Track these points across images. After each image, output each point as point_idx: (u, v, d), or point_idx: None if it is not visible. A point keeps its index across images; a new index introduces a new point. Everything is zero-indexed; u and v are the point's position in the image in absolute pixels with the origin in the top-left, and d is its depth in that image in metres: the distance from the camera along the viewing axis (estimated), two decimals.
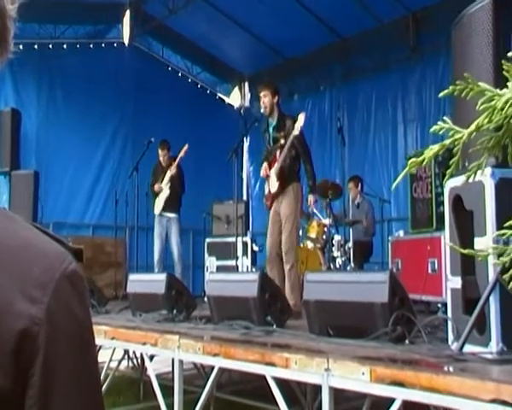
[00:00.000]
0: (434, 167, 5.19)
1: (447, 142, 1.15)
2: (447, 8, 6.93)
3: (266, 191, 5.34)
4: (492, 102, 1.07)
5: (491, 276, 2.30)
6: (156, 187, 7.43)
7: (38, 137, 8.96)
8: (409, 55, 9.21)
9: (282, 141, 5.13)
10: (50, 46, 9.20)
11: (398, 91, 9.42)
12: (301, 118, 4.96)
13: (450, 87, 1.12)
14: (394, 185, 1.59)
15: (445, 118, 1.19)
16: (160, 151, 7.57)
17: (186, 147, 7.29)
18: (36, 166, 8.43)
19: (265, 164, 5.29)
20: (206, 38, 10.41)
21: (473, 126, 1.11)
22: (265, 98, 5.24)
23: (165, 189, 7.39)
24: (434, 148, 1.15)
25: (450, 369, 2.19)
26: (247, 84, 12.10)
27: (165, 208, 7.43)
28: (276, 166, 5.11)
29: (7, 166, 7.88)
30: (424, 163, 1.16)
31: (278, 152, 5.13)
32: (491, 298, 2.29)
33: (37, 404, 0.58)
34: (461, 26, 2.75)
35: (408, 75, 9.29)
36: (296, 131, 4.94)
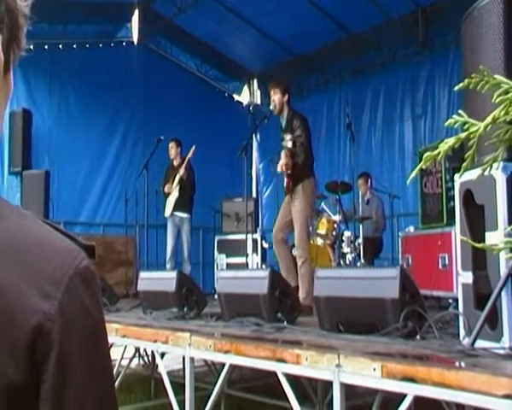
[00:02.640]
0: (445, 162, 5.14)
1: (463, 135, 1.13)
2: (456, 3, 6.87)
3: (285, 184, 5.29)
4: (509, 95, 1.05)
5: (503, 270, 2.28)
6: (166, 189, 7.37)
7: (51, 136, 9.00)
8: (418, 51, 9.15)
9: (290, 144, 5.07)
10: (60, 46, 9.24)
11: (407, 87, 9.36)
12: None
13: (466, 80, 1.10)
14: (409, 181, 1.57)
15: (460, 111, 1.17)
16: (170, 148, 7.51)
17: (193, 148, 7.20)
18: (48, 164, 8.49)
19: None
20: (215, 35, 10.41)
21: (489, 119, 1.09)
22: (275, 96, 5.18)
23: (174, 190, 7.31)
24: (449, 141, 1.13)
25: (462, 364, 2.18)
26: (255, 81, 12.08)
27: (176, 209, 7.34)
28: (284, 166, 5.04)
29: (19, 167, 7.95)
30: (440, 157, 1.14)
31: (283, 154, 5.05)
32: (503, 293, 2.28)
33: (51, 398, 0.59)
34: (471, 19, 2.72)
35: (417, 70, 9.22)
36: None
